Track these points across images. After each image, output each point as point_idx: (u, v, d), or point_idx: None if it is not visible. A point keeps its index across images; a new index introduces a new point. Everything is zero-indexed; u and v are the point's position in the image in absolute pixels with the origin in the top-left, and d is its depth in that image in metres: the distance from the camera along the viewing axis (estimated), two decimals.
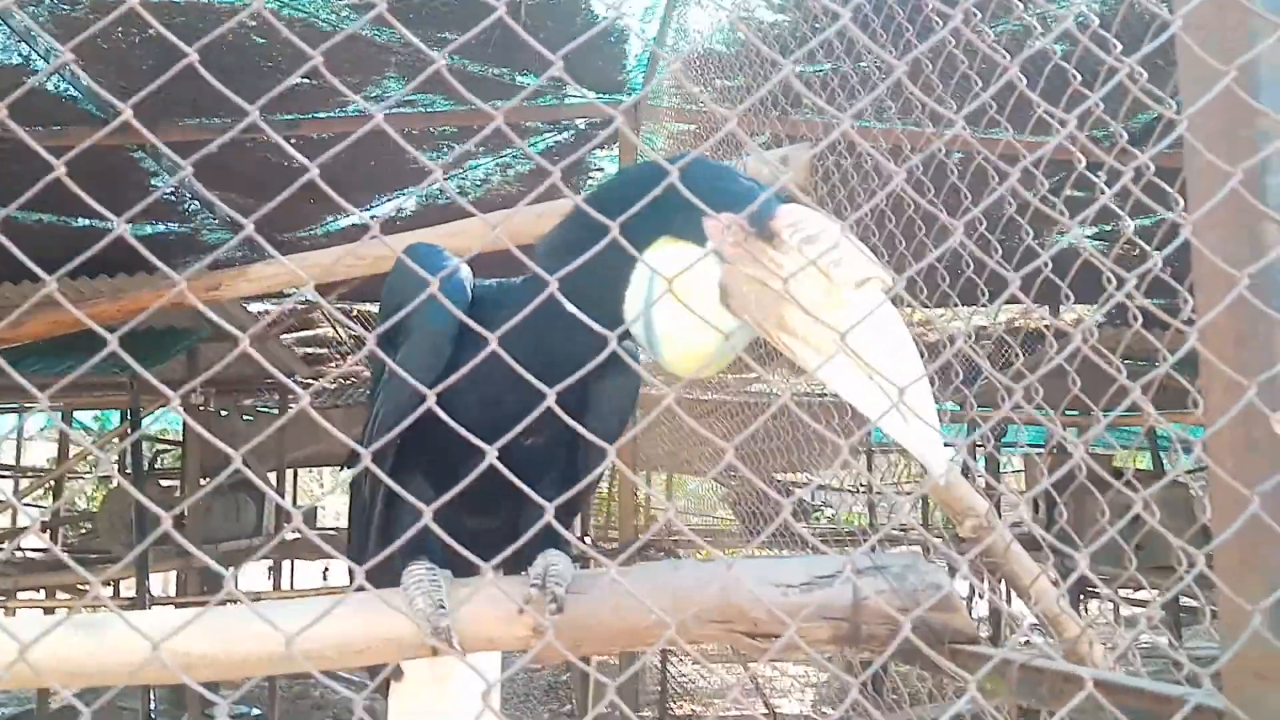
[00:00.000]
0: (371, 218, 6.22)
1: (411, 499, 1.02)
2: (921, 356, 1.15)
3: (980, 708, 1.03)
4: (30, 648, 0.90)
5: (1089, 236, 5.78)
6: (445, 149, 5.64)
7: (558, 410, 0.98)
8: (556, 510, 1.20)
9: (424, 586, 1.33)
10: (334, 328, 8.78)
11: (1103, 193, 1.21)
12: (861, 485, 9.68)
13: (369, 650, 1.29)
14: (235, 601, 1.14)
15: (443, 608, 1.31)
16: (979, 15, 1.72)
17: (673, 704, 8.19)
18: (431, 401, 0.99)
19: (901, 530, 9.01)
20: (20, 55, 4.64)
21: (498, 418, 1.12)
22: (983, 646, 1.27)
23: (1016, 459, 11.43)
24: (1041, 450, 7.83)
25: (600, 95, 5.19)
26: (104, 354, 0.81)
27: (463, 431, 0.97)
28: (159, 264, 1.01)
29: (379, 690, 1.64)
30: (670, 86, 4.91)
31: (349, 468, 1.73)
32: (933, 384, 1.63)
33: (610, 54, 4.87)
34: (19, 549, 8.61)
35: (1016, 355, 1.56)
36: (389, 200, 6.29)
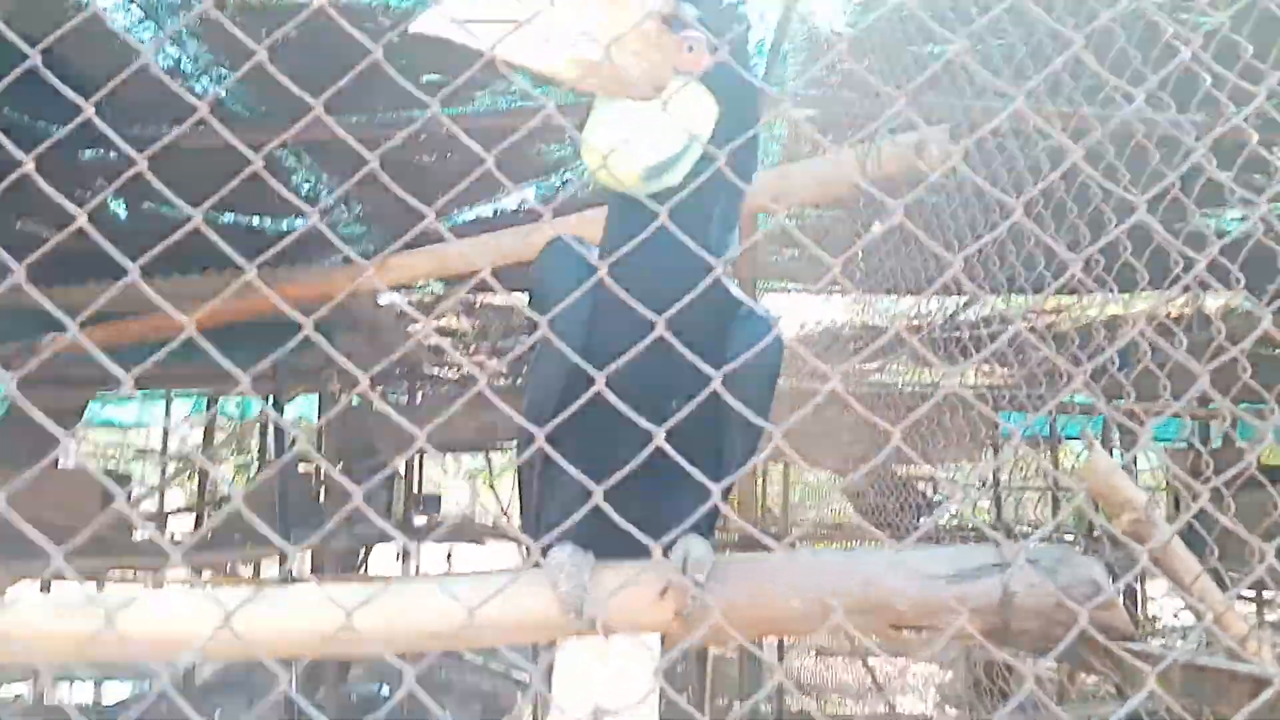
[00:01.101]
0: (495, 211, 6.36)
1: (580, 478, 1.05)
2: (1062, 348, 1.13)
3: (1147, 708, 0.99)
4: (234, 615, 0.96)
5: (1236, 219, 5.44)
6: (568, 141, 5.71)
7: (683, 353, 0.99)
8: (696, 497, 1.21)
9: (567, 569, 1.36)
10: (458, 318, 9.00)
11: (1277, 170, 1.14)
12: (987, 480, 9.40)
13: (516, 630, 1.33)
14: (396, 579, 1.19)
15: (585, 590, 1.33)
16: None
17: (790, 698, 8.13)
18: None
19: (1032, 527, 8.71)
20: (171, 59, 4.91)
21: (636, 392, 1.15)
22: (1142, 644, 1.21)
23: (1154, 456, 10.90)
24: (1182, 446, 7.44)
25: None
26: (299, 337, 0.85)
27: (614, 400, 0.98)
28: (344, 249, 1.06)
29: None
30: (792, 73, 4.84)
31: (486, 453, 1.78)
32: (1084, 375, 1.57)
33: (735, 43, 4.84)
34: (169, 530, 9.15)
35: (1179, 342, 1.48)
36: (512, 193, 6.40)
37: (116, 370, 1.19)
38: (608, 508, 0.99)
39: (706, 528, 1.44)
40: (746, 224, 4.62)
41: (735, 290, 1.34)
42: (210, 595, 1.06)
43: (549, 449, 1.04)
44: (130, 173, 1.11)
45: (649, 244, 1.15)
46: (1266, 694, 0.90)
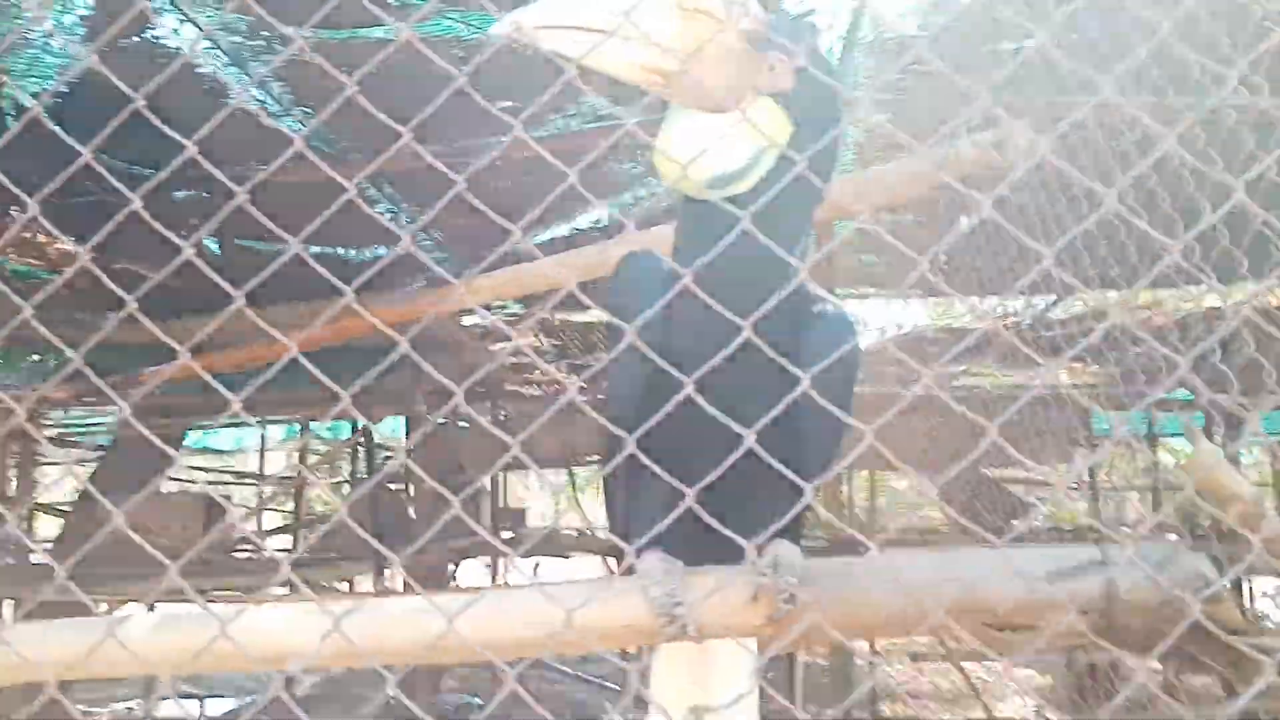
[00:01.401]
0: (573, 230, 6.44)
1: (673, 481, 1.06)
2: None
3: (1263, 706, 0.96)
4: (341, 622, 1.00)
5: None
6: (640, 157, 5.75)
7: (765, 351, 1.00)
8: (782, 500, 1.22)
9: (658, 575, 1.37)
10: (538, 337, 9.11)
11: None
12: (1084, 480, 9.12)
13: (610, 636, 1.35)
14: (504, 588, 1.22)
15: (677, 597, 1.34)
16: None
17: (884, 704, 8.00)
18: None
19: (1132, 528, 8.44)
20: (257, 101, 5.10)
21: (716, 397, 1.16)
22: (1258, 638, 1.18)
23: (1258, 451, 10.46)
24: None
25: None
26: (396, 355, 0.89)
27: (698, 400, 1.00)
28: (435, 268, 1.10)
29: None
30: (863, 79, 4.80)
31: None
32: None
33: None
34: (265, 550, 9.44)
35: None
36: (587, 214, 6.47)
37: (225, 393, 1.25)
38: (699, 509, 1.00)
39: (794, 532, 1.44)
40: (823, 230, 4.60)
41: (812, 288, 1.35)
42: (317, 606, 1.10)
43: (640, 454, 1.05)
44: (232, 205, 1.17)
45: (723, 250, 1.16)
46: None
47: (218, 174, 1.24)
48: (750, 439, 0.97)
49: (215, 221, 1.33)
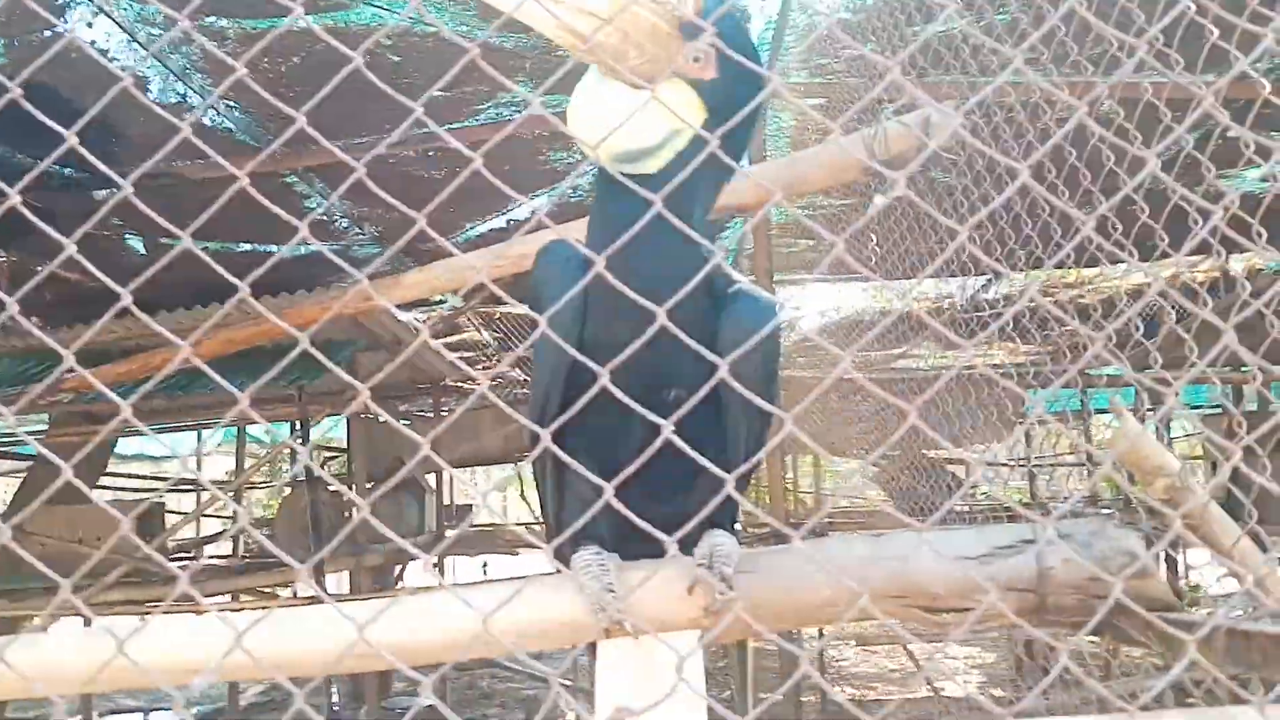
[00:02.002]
0: (509, 221, 6.38)
1: (589, 475, 1.03)
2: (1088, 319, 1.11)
3: (1183, 679, 0.97)
4: (244, 636, 0.96)
5: (1259, 180, 5.36)
6: (576, 148, 5.71)
7: (684, 341, 0.98)
8: (715, 490, 1.20)
9: (593, 570, 1.35)
10: (479, 331, 9.03)
11: None
12: (1019, 459, 9.31)
13: (547, 634, 1.32)
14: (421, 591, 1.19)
15: (612, 590, 1.32)
16: None
17: (835, 688, 8.09)
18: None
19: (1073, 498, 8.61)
20: (178, 94, 4.95)
21: (638, 385, 1.14)
22: (1184, 614, 1.19)
23: (1188, 424, 10.77)
24: (1218, 411, 7.34)
25: None
26: (295, 353, 0.85)
27: (617, 393, 0.97)
28: (352, 270, 1.05)
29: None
30: (796, 63, 4.82)
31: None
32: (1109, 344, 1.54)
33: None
34: (204, 557, 9.23)
35: (1204, 305, 1.46)
36: (523, 204, 6.42)
37: (118, 400, 1.19)
38: (619, 504, 0.97)
39: (730, 521, 1.42)
40: (759, 216, 4.59)
41: (730, 271, 1.32)
42: (221, 618, 1.06)
43: (555, 449, 1.02)
44: (118, 198, 1.11)
45: (636, 234, 1.13)
46: None
47: (95, 161, 1.17)
48: (668, 430, 0.95)
49: (94, 220, 1.26)
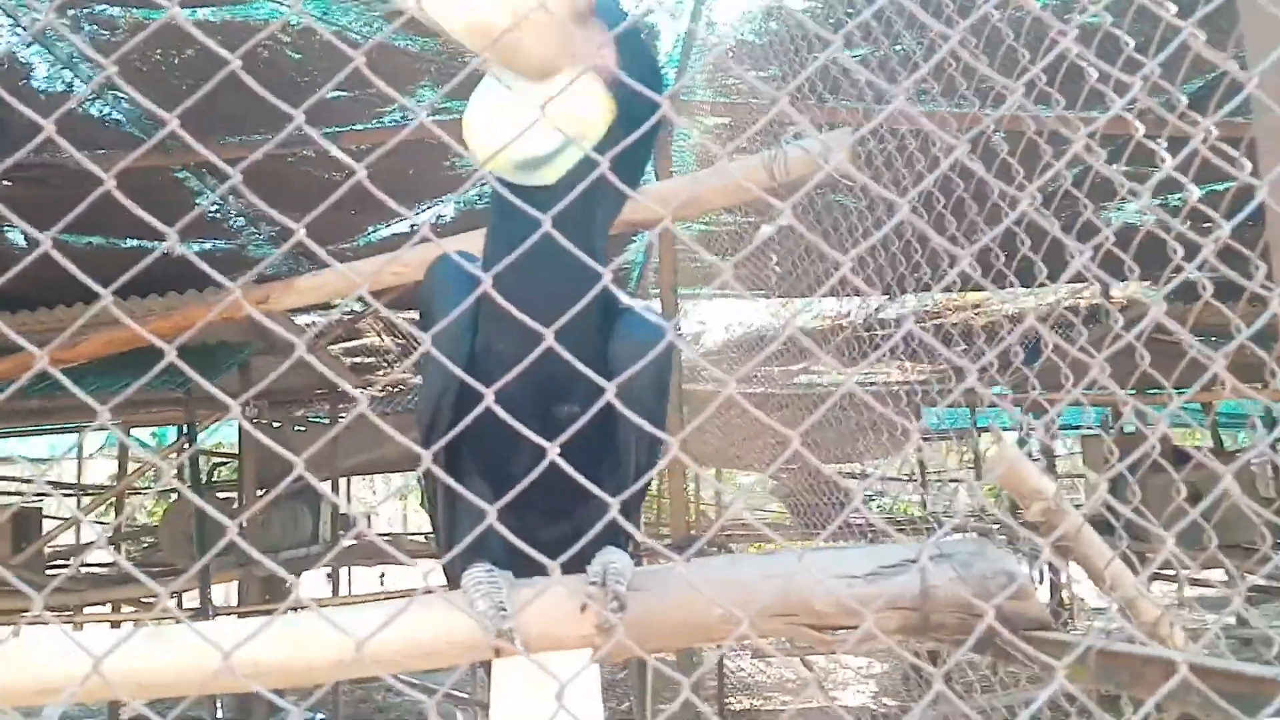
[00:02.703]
0: (412, 226, 6.28)
1: (472, 497, 1.02)
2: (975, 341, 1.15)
3: (1058, 694, 1.00)
4: (103, 661, 0.91)
5: (1135, 211, 5.65)
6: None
7: (575, 364, 0.98)
8: (606, 508, 1.19)
9: (484, 588, 1.33)
10: (381, 336, 8.87)
11: (1164, 161, 1.17)
12: (913, 474, 9.57)
13: (435, 653, 1.30)
14: (301, 609, 1.15)
15: (504, 609, 1.31)
16: None
17: (731, 699, 8.16)
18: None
19: (956, 516, 8.89)
20: (64, 83, 4.74)
21: (527, 403, 1.13)
22: (1055, 633, 1.23)
23: (1070, 442, 11.25)
24: (1098, 431, 7.68)
25: None
26: (162, 364, 0.82)
27: (501, 413, 0.96)
28: (217, 276, 1.02)
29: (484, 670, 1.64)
30: (702, 81, 4.88)
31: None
32: (991, 368, 1.60)
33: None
34: (84, 564, 8.81)
35: (1079, 334, 1.54)
36: (428, 208, 6.33)
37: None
38: (504, 528, 0.96)
39: (624, 538, 1.42)
40: (664, 232, 4.62)
41: (618, 292, 1.33)
42: (78, 639, 1.00)
43: (438, 470, 1.00)
44: None
45: (530, 249, 1.11)
46: (1173, 681, 0.92)
47: None
48: (553, 452, 0.94)
49: None
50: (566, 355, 0.94)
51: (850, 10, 2.90)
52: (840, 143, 2.09)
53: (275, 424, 9.21)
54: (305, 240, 0.86)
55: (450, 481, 1.01)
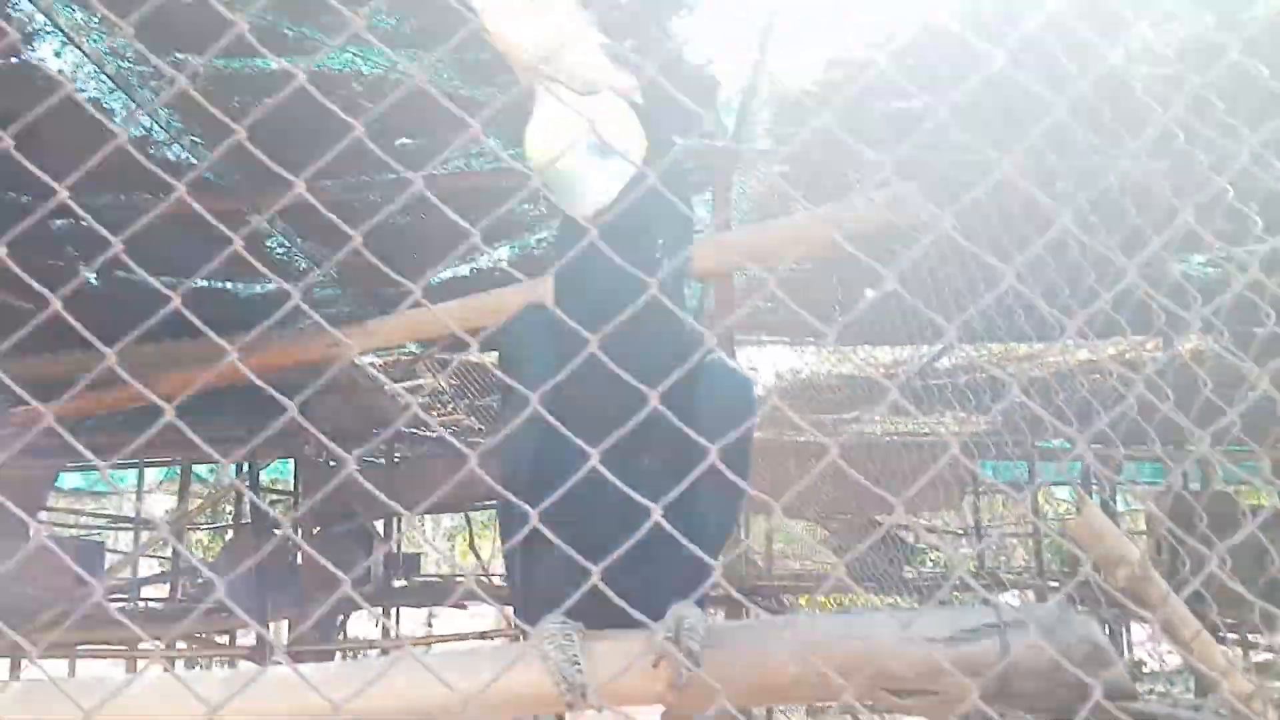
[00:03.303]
0: (472, 270, 6.37)
1: (571, 551, 1.02)
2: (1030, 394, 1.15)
3: None
4: (227, 701, 0.92)
5: (1201, 264, 5.54)
6: (542, 199, 5.74)
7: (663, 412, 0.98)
8: (684, 560, 1.19)
9: (557, 641, 1.33)
10: (436, 377, 8.96)
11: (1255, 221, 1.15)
12: (969, 527, 9.39)
13: (509, 705, 1.29)
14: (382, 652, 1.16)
15: (577, 662, 1.30)
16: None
17: None
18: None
19: (1018, 573, 8.68)
20: (143, 128, 4.91)
21: (612, 451, 1.14)
22: (1142, 703, 1.20)
23: (1132, 498, 10.97)
24: (1160, 487, 7.49)
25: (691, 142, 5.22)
26: (285, 418, 0.83)
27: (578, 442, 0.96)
28: (317, 318, 1.04)
29: None
30: (763, 130, 4.90)
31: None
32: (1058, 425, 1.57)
33: (701, 100, 4.91)
34: (141, 599, 8.95)
35: (1154, 386, 1.51)
36: (489, 252, 6.42)
37: (84, 451, 1.16)
38: (604, 586, 0.96)
39: (697, 592, 1.41)
40: (724, 280, 4.63)
41: (704, 336, 1.34)
42: (190, 683, 1.01)
43: (541, 527, 1.01)
44: (109, 254, 1.09)
45: (602, 296, 1.12)
46: None
47: (91, 221, 1.16)
48: (657, 514, 0.94)
49: (90, 270, 1.24)
50: (665, 411, 0.94)
51: (910, 63, 2.90)
52: (908, 194, 2.08)
53: (331, 462, 9.32)
54: (416, 295, 0.88)
55: (553, 537, 1.01)
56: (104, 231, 1.13)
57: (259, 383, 1.10)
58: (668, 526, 0.94)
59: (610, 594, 1.00)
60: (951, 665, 1.20)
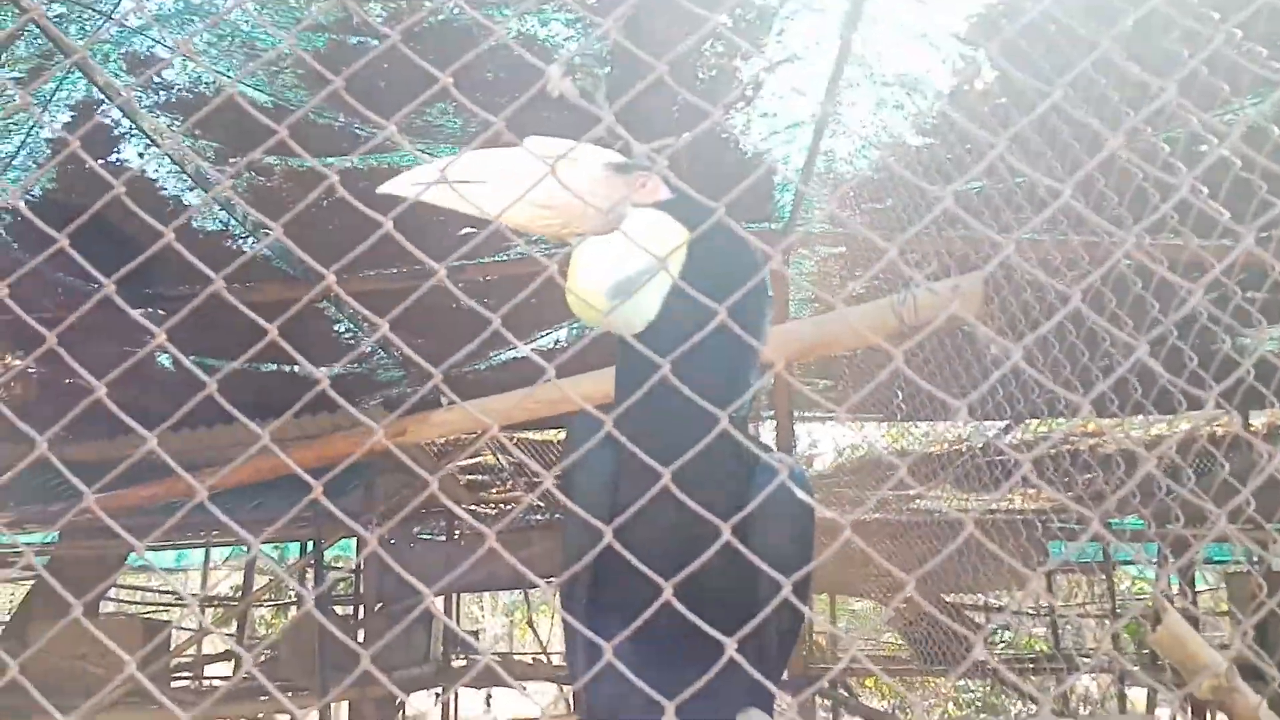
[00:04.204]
0: (532, 349, 6.47)
1: (637, 681, 1.03)
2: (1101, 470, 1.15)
3: None
4: None
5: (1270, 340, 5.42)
6: None
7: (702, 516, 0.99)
8: (756, 659, 1.19)
9: None
10: (495, 456, 9.04)
11: None
12: (1041, 607, 9.09)
13: None
14: None
15: None
16: (1148, 129, 1.70)
17: None
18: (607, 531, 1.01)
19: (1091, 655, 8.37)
20: (220, 221, 5.14)
21: (671, 553, 1.16)
22: None
23: (1213, 578, 10.54)
24: (1244, 565, 7.20)
25: (748, 224, 5.31)
26: (308, 499, 0.88)
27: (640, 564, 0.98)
28: (352, 409, 1.09)
29: None
30: (820, 211, 4.97)
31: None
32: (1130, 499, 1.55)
33: (758, 183, 5.00)
34: (206, 677, 9.03)
35: (1221, 465, 1.49)
36: (549, 334, 6.53)
37: (133, 541, 1.21)
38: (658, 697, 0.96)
39: (767, 696, 1.41)
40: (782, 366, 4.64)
41: (755, 437, 1.36)
42: None
43: (618, 664, 1.01)
44: (152, 345, 1.16)
45: (656, 405, 1.15)
46: None
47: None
48: (731, 649, 0.96)
49: (138, 357, 1.31)
50: (715, 522, 0.96)
51: (969, 147, 2.95)
52: (971, 285, 2.09)
53: (391, 540, 9.40)
54: (441, 385, 0.92)
55: (625, 671, 1.02)
56: (152, 327, 1.19)
57: (295, 468, 1.15)
58: (742, 662, 0.95)
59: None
60: None
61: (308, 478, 1.23)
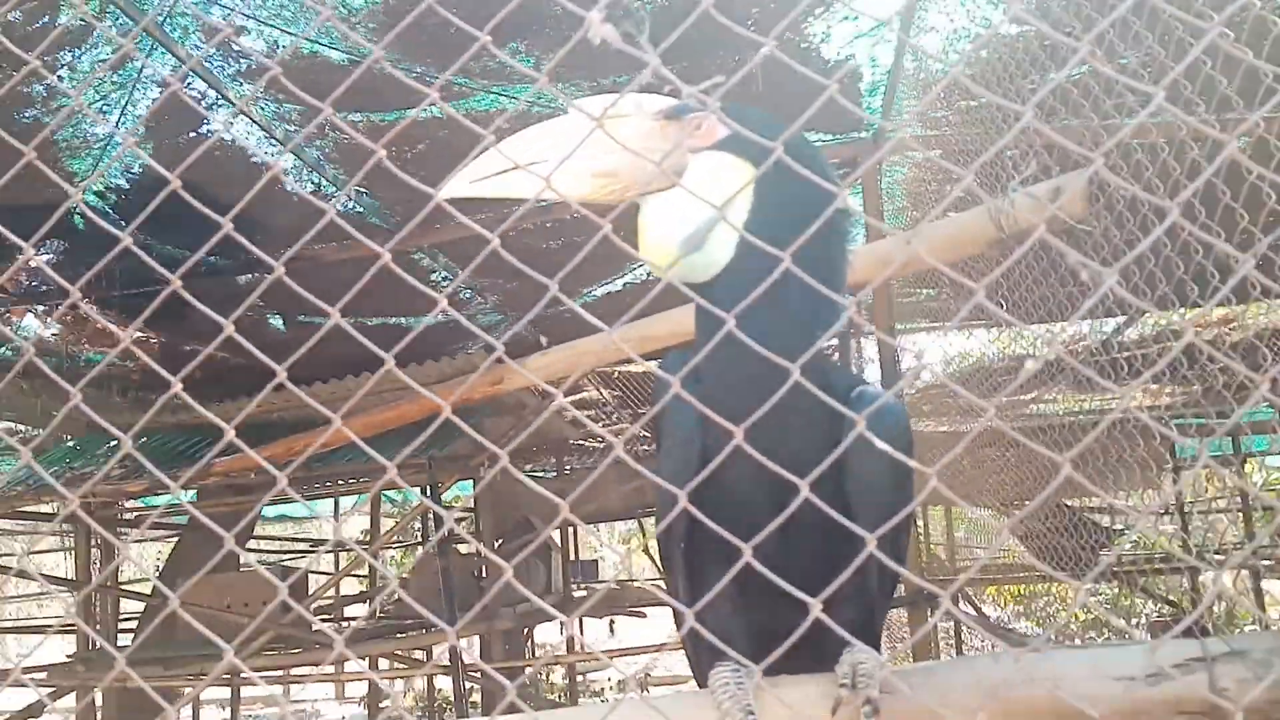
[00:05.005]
0: (624, 284, 6.46)
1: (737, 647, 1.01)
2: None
3: None
4: None
5: None
6: None
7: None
8: (862, 601, 1.16)
9: (730, 690, 1.31)
10: (599, 390, 9.12)
11: None
12: (1170, 504, 8.79)
13: None
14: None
15: (751, 712, 1.28)
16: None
17: None
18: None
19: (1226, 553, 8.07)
20: (313, 183, 5.22)
21: (769, 494, 1.14)
22: None
23: None
24: None
25: (835, 136, 5.12)
26: (435, 424, 0.86)
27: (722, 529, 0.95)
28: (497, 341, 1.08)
29: None
30: (911, 114, 4.74)
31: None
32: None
33: (844, 91, 4.79)
34: (344, 619, 9.50)
35: None
36: (641, 265, 6.49)
37: (276, 473, 1.23)
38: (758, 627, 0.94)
39: (873, 634, 1.37)
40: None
41: (844, 370, 1.32)
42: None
43: (709, 627, 1.00)
44: (270, 279, 1.18)
45: (733, 343, 1.12)
46: None
47: (250, 247, 1.23)
48: (824, 596, 0.93)
49: (248, 301, 1.32)
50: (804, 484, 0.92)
51: (1069, 30, 2.73)
52: (1073, 185, 1.96)
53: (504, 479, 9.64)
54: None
55: (724, 635, 1.00)
56: (268, 259, 1.20)
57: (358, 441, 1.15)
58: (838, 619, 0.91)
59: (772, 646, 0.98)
60: (1153, 706, 1.12)
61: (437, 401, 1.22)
